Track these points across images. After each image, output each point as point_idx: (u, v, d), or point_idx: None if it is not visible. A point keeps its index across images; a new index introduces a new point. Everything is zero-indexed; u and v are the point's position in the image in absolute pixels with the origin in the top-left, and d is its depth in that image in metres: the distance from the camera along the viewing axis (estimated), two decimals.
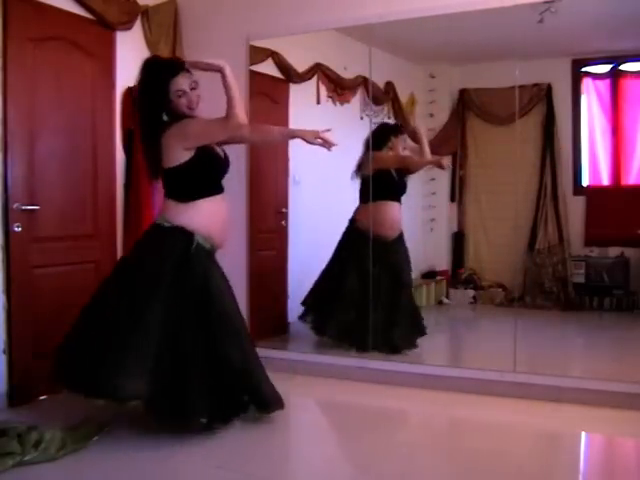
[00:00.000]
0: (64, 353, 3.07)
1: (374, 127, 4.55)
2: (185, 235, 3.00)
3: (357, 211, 4.42)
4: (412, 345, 4.26)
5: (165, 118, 3.01)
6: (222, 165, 3.15)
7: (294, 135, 3.30)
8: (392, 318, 4.25)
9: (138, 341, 2.90)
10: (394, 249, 4.39)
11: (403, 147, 4.53)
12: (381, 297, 4.23)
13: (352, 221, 4.41)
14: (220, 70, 2.94)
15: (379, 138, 4.42)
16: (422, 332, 4.36)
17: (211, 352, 2.98)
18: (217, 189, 3.11)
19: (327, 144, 3.07)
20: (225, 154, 3.20)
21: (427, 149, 4.59)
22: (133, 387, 2.86)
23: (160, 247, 3.04)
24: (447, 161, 4.98)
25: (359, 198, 4.42)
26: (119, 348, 2.89)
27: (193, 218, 3.01)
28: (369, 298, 4.17)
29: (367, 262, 4.19)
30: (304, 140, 3.10)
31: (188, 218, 3.00)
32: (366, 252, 4.20)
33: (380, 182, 4.31)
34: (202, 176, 3.05)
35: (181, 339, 2.95)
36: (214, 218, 3.06)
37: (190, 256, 2.99)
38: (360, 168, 4.41)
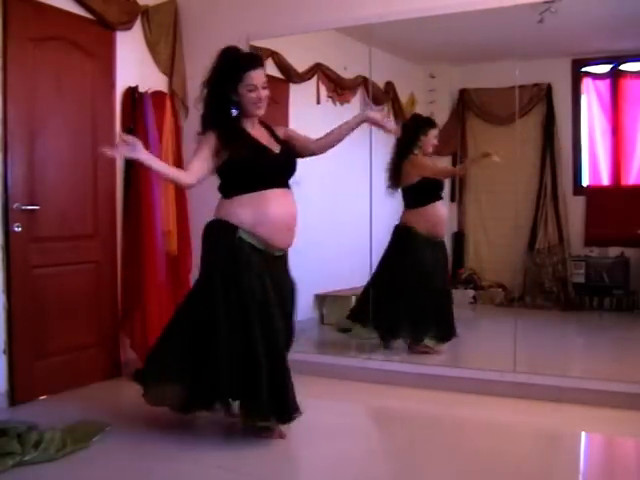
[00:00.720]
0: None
1: (406, 120, 4.66)
2: (228, 228, 2.88)
3: (409, 216, 4.40)
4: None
5: (234, 113, 2.93)
6: (266, 160, 2.95)
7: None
8: (448, 311, 4.42)
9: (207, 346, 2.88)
10: (444, 248, 4.54)
11: (433, 143, 4.45)
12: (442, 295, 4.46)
13: (407, 227, 4.37)
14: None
15: (410, 139, 4.39)
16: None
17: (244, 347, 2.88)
18: (261, 185, 2.89)
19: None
20: (286, 149, 3.04)
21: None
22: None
23: (210, 242, 2.97)
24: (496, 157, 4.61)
25: (408, 203, 4.42)
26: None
27: (238, 214, 2.88)
28: (436, 297, 4.38)
29: (431, 263, 4.37)
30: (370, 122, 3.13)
31: (229, 212, 2.91)
32: (429, 254, 4.36)
33: (426, 186, 4.36)
34: (237, 174, 2.92)
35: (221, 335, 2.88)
36: (259, 214, 2.86)
37: (234, 248, 2.87)
38: (396, 176, 4.40)
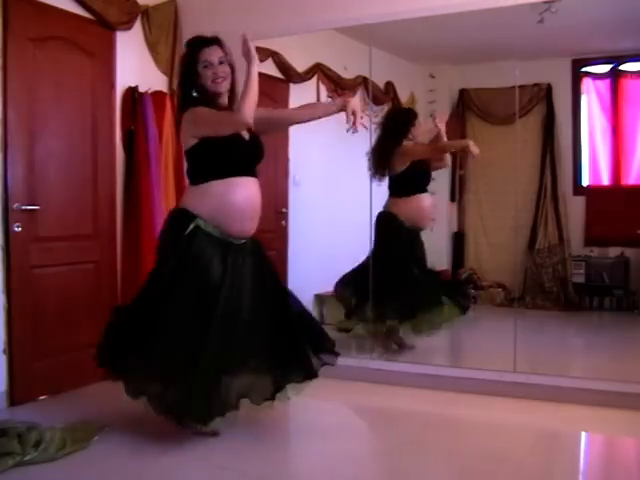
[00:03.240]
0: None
1: (385, 115, 4.61)
2: (187, 217, 2.88)
3: (393, 205, 4.41)
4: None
5: (194, 94, 2.93)
6: (239, 147, 2.94)
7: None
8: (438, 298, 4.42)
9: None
10: (420, 237, 4.55)
11: (418, 133, 4.49)
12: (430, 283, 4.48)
13: (391, 216, 4.38)
14: (249, 61, 2.83)
15: (397, 130, 4.41)
16: None
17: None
18: (231, 172, 2.89)
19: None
20: (254, 136, 3.02)
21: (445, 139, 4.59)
22: None
23: (166, 231, 2.98)
24: (475, 147, 4.69)
25: (393, 192, 4.42)
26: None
27: (199, 203, 2.88)
28: (425, 284, 4.41)
29: (416, 252, 4.44)
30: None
31: (193, 201, 2.90)
32: (413, 244, 4.43)
33: (413, 175, 4.38)
34: (210, 158, 2.90)
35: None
36: (223, 202, 2.86)
37: (187, 238, 2.86)
38: (384, 163, 4.38)
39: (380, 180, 4.43)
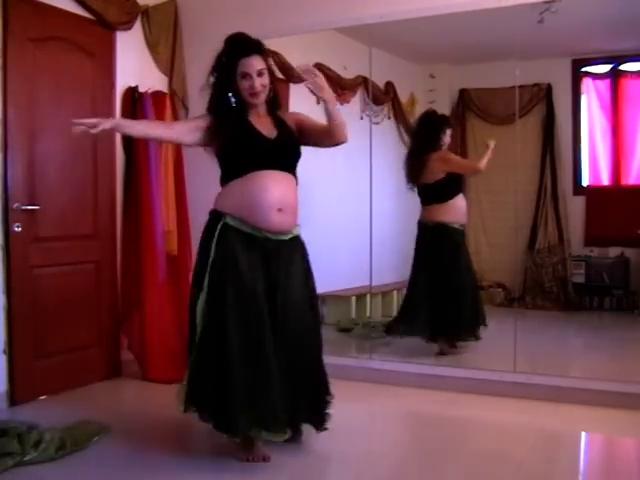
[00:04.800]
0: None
1: (418, 119, 4.60)
2: (216, 216, 2.81)
3: (436, 212, 4.40)
4: None
5: (233, 101, 2.81)
6: (257, 142, 2.82)
7: None
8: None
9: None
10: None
11: (446, 141, 4.45)
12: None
13: (442, 224, 4.38)
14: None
15: (430, 137, 4.38)
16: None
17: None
18: (250, 168, 2.77)
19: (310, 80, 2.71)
20: (285, 134, 2.87)
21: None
22: None
23: (202, 234, 2.87)
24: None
25: (433, 199, 4.40)
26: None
27: (225, 200, 2.81)
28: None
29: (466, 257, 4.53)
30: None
31: (221, 201, 2.84)
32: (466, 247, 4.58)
33: (453, 179, 4.39)
34: (231, 156, 2.83)
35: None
36: (245, 194, 2.75)
37: (218, 237, 2.76)
38: (419, 172, 4.37)
39: (413, 188, 4.43)
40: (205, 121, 2.87)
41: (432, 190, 4.39)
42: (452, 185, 4.37)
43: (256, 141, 2.82)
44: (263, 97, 2.83)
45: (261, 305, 2.71)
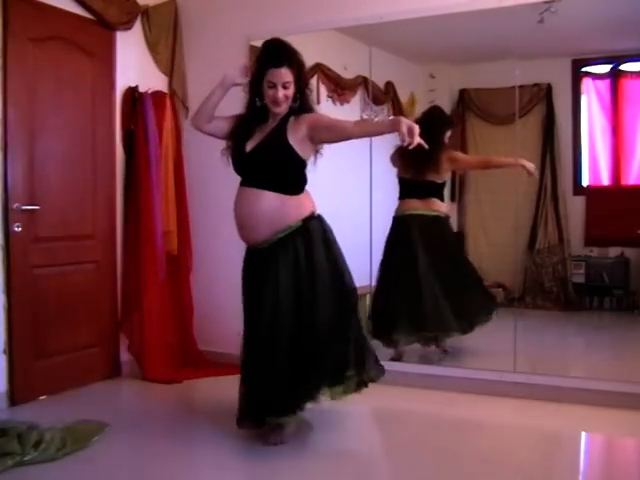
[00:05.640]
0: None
1: (423, 113, 4.54)
2: None
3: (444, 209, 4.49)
4: None
5: (258, 103, 2.98)
6: (236, 155, 3.00)
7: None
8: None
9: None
10: None
11: (445, 141, 4.41)
12: None
13: (444, 218, 4.47)
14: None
15: (434, 134, 4.16)
16: None
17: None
18: (243, 181, 3.01)
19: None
20: (263, 147, 2.95)
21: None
22: None
23: None
24: (529, 164, 4.35)
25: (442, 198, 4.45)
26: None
27: None
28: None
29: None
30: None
31: None
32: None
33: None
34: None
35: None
36: (236, 211, 3.02)
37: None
38: (427, 165, 4.24)
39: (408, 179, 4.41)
40: (232, 118, 3.08)
41: (439, 188, 4.41)
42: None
43: (236, 153, 3.01)
44: (285, 107, 2.95)
45: (266, 306, 2.90)
